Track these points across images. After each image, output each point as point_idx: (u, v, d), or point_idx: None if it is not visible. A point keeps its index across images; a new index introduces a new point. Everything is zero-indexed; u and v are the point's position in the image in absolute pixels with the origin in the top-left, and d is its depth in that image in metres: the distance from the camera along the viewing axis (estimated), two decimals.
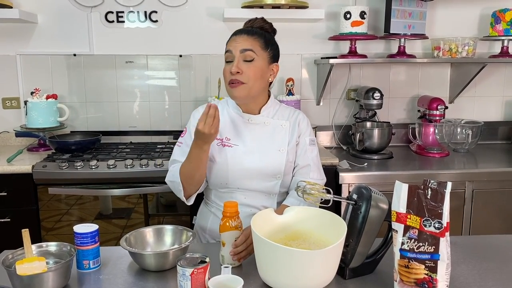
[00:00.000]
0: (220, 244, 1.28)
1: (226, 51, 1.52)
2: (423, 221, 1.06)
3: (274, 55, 1.56)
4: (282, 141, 1.56)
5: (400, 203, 1.08)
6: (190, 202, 1.57)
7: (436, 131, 2.65)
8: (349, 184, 2.31)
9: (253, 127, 1.56)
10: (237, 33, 1.53)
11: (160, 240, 1.37)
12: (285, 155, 1.55)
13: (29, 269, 1.07)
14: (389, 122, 2.76)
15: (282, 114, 1.61)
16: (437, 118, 2.68)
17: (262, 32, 1.55)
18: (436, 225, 1.05)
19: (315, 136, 2.85)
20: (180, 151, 1.57)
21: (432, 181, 1.06)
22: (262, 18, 1.59)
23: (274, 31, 1.62)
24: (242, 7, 2.61)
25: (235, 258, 1.27)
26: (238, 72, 1.46)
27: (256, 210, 1.51)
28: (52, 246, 1.25)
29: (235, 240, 1.27)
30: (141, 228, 1.38)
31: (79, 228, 1.25)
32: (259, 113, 1.58)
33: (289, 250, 1.07)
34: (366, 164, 2.44)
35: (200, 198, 1.78)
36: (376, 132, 2.63)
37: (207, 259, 1.10)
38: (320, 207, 1.24)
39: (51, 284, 1.12)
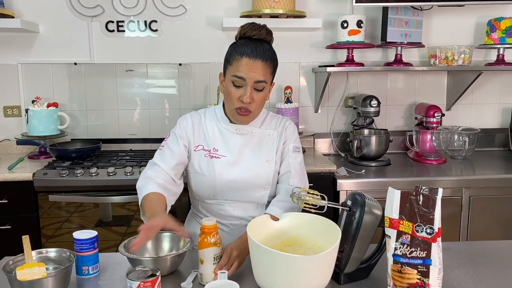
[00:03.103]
0: (199, 262, 1.23)
1: (237, 76, 1.41)
2: (415, 227, 1.08)
3: (275, 74, 1.51)
4: (270, 151, 1.55)
5: (393, 209, 1.10)
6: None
7: (433, 138, 2.67)
8: (346, 191, 2.33)
9: (241, 137, 1.54)
10: (250, 55, 1.41)
11: (158, 246, 1.39)
12: (273, 165, 1.53)
13: (29, 274, 1.09)
14: (387, 129, 2.79)
15: (269, 123, 1.59)
16: (434, 125, 2.70)
17: (271, 53, 1.46)
18: (428, 231, 1.07)
19: (313, 143, 2.92)
20: (160, 154, 1.53)
21: (423, 188, 1.08)
22: (266, 28, 1.49)
23: (272, 41, 1.54)
24: (241, 17, 2.65)
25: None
26: (249, 102, 1.43)
27: (246, 222, 1.44)
28: (51, 252, 1.27)
29: (216, 260, 1.22)
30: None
31: (79, 234, 1.27)
32: (247, 123, 1.55)
33: (283, 255, 1.09)
34: (364, 171, 2.46)
35: (187, 207, 1.77)
36: (373, 139, 2.65)
37: (158, 273, 1.10)
38: (315, 213, 1.26)
39: None
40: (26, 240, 1.19)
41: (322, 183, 2.35)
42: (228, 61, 1.47)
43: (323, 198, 1.24)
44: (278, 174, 1.57)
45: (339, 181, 2.33)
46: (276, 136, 1.57)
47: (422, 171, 2.54)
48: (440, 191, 1.07)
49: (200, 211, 1.61)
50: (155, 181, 1.43)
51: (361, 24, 2.63)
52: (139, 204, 1.42)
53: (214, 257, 1.22)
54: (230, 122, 1.55)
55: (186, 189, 1.60)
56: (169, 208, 1.44)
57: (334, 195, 2.34)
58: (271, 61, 1.45)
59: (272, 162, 1.53)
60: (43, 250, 1.27)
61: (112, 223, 2.40)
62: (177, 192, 1.51)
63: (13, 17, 2.58)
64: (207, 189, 1.53)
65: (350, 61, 2.74)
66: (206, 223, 1.23)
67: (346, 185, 2.33)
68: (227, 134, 1.54)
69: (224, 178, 1.50)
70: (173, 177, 1.49)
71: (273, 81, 1.52)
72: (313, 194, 1.26)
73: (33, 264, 1.14)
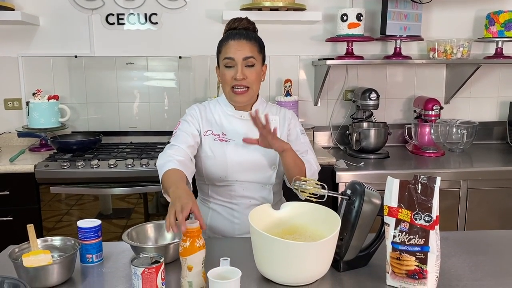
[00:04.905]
0: (186, 270, 1.13)
1: (227, 58, 1.54)
2: (414, 215, 1.10)
3: (264, 56, 1.63)
4: None
5: (391, 197, 1.13)
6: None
7: (432, 131, 2.69)
8: (345, 183, 2.35)
9: (246, 122, 1.62)
10: (235, 37, 1.55)
11: (161, 235, 1.41)
12: None
13: (35, 261, 1.11)
14: (386, 123, 2.80)
15: (270, 110, 1.69)
16: (433, 118, 2.72)
17: (255, 35, 1.60)
18: (426, 219, 1.09)
19: (313, 136, 2.94)
20: (175, 137, 1.60)
21: (422, 176, 1.10)
22: (246, 19, 1.63)
23: (256, 31, 1.66)
24: (241, 9, 2.65)
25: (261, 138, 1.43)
26: (243, 78, 1.53)
27: (255, 201, 1.62)
28: (56, 240, 1.30)
29: (203, 263, 1.14)
30: (142, 224, 1.42)
31: (83, 223, 1.29)
32: (250, 109, 1.64)
33: (285, 242, 1.11)
34: (363, 163, 2.48)
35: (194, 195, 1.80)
36: (372, 132, 2.67)
37: (162, 260, 1.11)
38: (315, 202, 1.28)
39: (56, 276, 1.16)
40: (31, 228, 1.21)
41: (322, 175, 2.31)
42: (218, 51, 1.61)
43: (323, 188, 1.27)
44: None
45: (338, 173, 2.35)
46: (278, 121, 1.67)
47: (421, 163, 2.57)
48: (438, 179, 1.09)
49: (210, 196, 1.67)
50: (175, 158, 1.48)
51: (361, 17, 2.64)
52: (160, 181, 1.45)
53: (203, 260, 1.14)
54: (235, 109, 1.64)
55: None
56: (190, 180, 1.47)
57: (333, 187, 2.36)
58: (255, 41, 1.57)
59: None
60: (48, 238, 1.30)
61: (112, 216, 2.42)
62: (193, 170, 1.56)
63: (13, 10, 2.58)
64: (219, 171, 1.60)
65: (349, 54, 2.76)
66: (191, 226, 1.12)
67: (345, 177, 2.35)
68: (232, 120, 1.64)
69: (234, 160, 1.59)
70: (190, 154, 1.55)
71: (265, 63, 1.63)
72: (313, 183, 1.28)
73: (39, 251, 1.16)
